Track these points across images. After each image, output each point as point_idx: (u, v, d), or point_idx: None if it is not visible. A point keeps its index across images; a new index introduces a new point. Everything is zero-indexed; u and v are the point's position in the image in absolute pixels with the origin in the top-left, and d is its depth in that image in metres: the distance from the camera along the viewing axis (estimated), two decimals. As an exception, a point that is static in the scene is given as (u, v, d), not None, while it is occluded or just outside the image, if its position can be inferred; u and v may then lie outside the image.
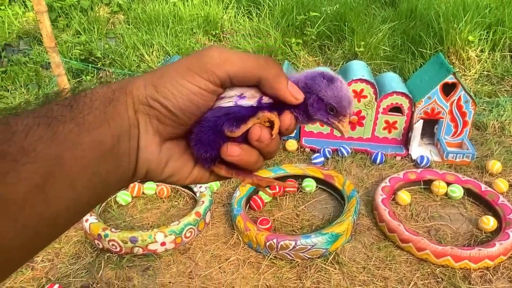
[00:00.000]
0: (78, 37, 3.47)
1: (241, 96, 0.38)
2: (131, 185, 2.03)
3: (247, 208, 1.90)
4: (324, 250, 1.62)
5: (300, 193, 2.02)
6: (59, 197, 0.31)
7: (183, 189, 2.08)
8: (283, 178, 2.04)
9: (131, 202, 2.02)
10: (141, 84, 0.36)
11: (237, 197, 1.87)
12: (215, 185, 2.08)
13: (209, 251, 1.70)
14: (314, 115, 0.40)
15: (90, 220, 1.73)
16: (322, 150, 2.26)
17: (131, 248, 1.66)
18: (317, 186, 2.03)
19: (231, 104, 0.37)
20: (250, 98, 0.38)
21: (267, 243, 1.62)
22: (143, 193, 2.06)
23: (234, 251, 1.70)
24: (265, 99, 0.38)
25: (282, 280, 1.56)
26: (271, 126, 0.39)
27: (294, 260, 1.62)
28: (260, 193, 1.96)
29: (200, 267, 1.64)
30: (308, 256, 1.62)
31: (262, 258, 1.66)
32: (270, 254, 1.64)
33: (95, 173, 0.33)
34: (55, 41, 2.47)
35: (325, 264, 1.61)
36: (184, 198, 2.05)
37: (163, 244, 1.67)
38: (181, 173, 0.40)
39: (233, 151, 0.38)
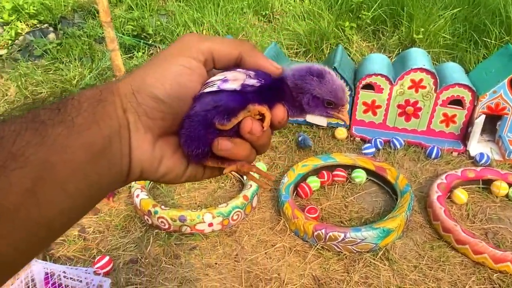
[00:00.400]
0: (131, 12, 3.50)
1: (224, 80, 0.37)
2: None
3: (294, 195, 1.87)
4: (374, 245, 1.57)
5: (349, 183, 1.96)
6: (50, 201, 0.31)
7: (230, 171, 2.07)
8: (332, 167, 1.98)
9: (179, 180, 2.04)
10: (127, 81, 0.36)
11: (285, 183, 1.85)
12: (262, 168, 2.06)
13: (255, 236, 1.70)
14: (312, 113, 0.41)
15: (140, 196, 1.76)
16: (373, 140, 2.19)
17: (179, 226, 1.67)
18: (367, 178, 1.96)
19: (214, 88, 0.37)
20: (233, 81, 0.37)
21: (315, 233, 1.59)
22: (190, 172, 2.07)
23: (280, 237, 1.69)
24: (248, 82, 0.38)
25: (329, 271, 1.53)
26: (261, 119, 0.38)
27: (341, 252, 1.59)
28: (308, 180, 1.92)
29: (246, 251, 1.63)
30: (356, 249, 1.57)
31: (309, 247, 1.63)
32: (317, 244, 1.61)
33: (87, 175, 0.33)
34: (110, 16, 2.50)
35: (374, 259, 1.57)
36: (231, 180, 2.04)
37: (210, 225, 1.68)
38: (175, 171, 0.40)
39: (224, 145, 0.38)
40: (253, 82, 0.38)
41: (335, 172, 1.97)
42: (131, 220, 1.79)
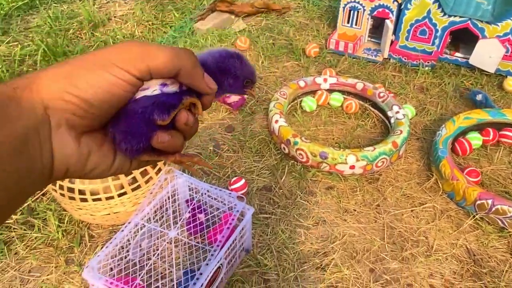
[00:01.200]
0: None
1: (163, 84, 0.38)
2: (319, 92, 1.88)
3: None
4: (551, 230, 1.31)
5: (519, 148, 1.65)
6: None
7: (373, 109, 1.85)
8: (500, 125, 1.67)
9: (316, 110, 1.88)
10: (51, 78, 0.33)
11: (443, 136, 1.59)
12: (411, 113, 1.81)
13: (401, 189, 1.52)
14: (231, 92, 0.45)
15: (280, 122, 1.64)
16: (557, 100, 1.78)
17: (318, 162, 1.55)
18: (545, 146, 1.62)
19: (157, 92, 0.37)
20: (172, 85, 0.38)
21: (478, 202, 1.37)
22: (328, 103, 1.89)
23: (430, 197, 1.49)
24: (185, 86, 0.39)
25: (487, 247, 1.33)
26: (190, 108, 0.40)
27: (505, 229, 1.36)
28: (469, 136, 1.64)
29: (389, 203, 1.48)
30: (527, 230, 1.33)
31: (464, 215, 1.42)
32: (476, 214, 1.39)
33: (2, 178, 0.30)
34: None
35: (547, 245, 1.32)
36: (372, 120, 1.83)
37: (352, 167, 1.53)
38: (102, 165, 0.38)
39: (163, 138, 0.38)
40: None
41: (503, 132, 1.65)
42: (266, 145, 1.70)
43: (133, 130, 0.37)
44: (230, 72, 0.43)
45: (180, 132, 0.40)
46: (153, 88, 0.37)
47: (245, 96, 1.85)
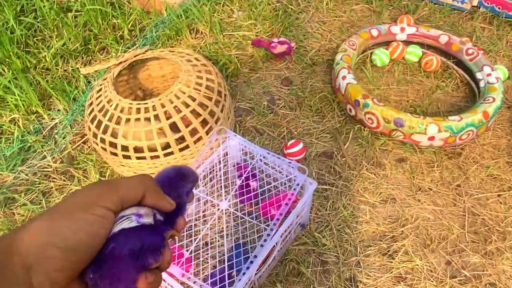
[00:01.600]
0: None
1: (138, 215, 0.39)
2: (394, 44, 1.61)
3: (550, 125, 1.36)
4: None
5: None
6: None
7: (457, 68, 1.57)
8: None
9: (388, 65, 1.62)
10: (33, 234, 0.33)
11: (547, 107, 1.32)
12: (503, 75, 1.53)
13: (486, 168, 1.29)
14: (189, 205, 0.47)
15: (348, 79, 1.41)
16: None
17: (390, 130, 1.33)
18: None
19: (134, 223, 0.38)
20: (146, 216, 0.40)
21: None
22: (403, 58, 1.63)
23: (523, 180, 1.26)
24: (158, 217, 0.41)
25: None
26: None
27: None
28: None
29: (472, 184, 1.26)
30: None
31: None
32: None
33: None
34: None
35: None
36: (454, 81, 1.56)
37: (431, 138, 1.30)
38: None
39: (151, 279, 0.38)
40: (160, 217, 0.41)
41: None
42: (328, 104, 1.49)
43: (121, 275, 0.36)
44: (182, 193, 0.45)
45: (159, 268, 0.40)
46: (128, 220, 0.38)
47: (292, 45, 1.62)
